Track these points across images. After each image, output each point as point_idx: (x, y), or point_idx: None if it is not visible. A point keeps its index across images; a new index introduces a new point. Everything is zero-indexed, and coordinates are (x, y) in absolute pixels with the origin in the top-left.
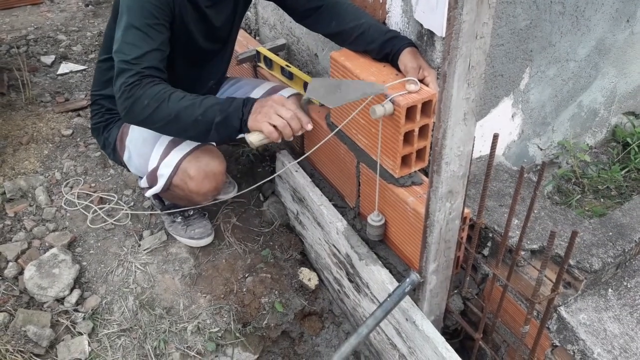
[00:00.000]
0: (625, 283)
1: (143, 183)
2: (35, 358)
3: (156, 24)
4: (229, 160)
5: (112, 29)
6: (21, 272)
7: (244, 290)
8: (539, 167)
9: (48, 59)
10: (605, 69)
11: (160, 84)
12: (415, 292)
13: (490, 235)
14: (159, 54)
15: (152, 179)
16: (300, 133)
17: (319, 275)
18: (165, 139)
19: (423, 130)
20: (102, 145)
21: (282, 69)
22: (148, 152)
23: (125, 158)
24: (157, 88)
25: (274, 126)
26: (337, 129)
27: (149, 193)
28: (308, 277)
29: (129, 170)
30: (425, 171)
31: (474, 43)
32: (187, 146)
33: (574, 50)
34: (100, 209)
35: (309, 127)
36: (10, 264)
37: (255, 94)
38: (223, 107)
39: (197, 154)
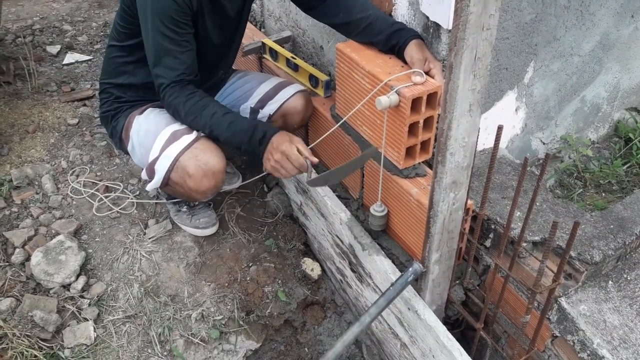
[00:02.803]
0: (625, 275)
1: (144, 175)
2: (41, 343)
3: (182, 28)
4: (233, 150)
5: (121, 18)
6: (28, 259)
7: (248, 279)
8: (541, 161)
9: (54, 49)
10: (609, 64)
11: (194, 96)
12: (418, 282)
13: (493, 226)
14: (189, 55)
15: (151, 171)
16: (294, 174)
17: (321, 266)
18: (167, 132)
19: (428, 122)
20: (110, 134)
21: (287, 60)
22: (149, 144)
23: (129, 148)
24: (190, 102)
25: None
26: (342, 120)
27: (149, 187)
28: (311, 267)
29: (133, 161)
30: (429, 163)
31: (481, 34)
32: (186, 140)
33: (579, 44)
34: (106, 197)
35: (292, 173)
36: (17, 250)
37: (262, 89)
38: (245, 140)
39: (197, 151)
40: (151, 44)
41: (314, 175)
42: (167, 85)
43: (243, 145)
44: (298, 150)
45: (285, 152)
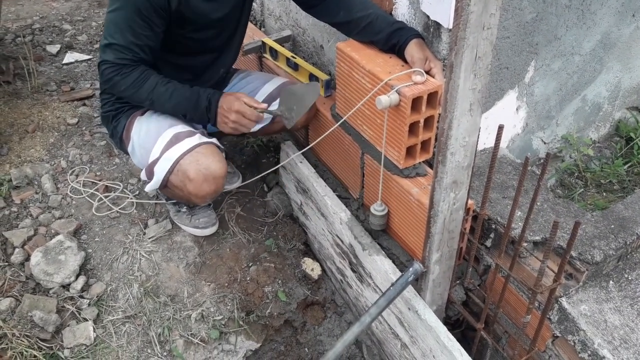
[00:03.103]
0: (626, 275)
1: (143, 176)
2: (41, 343)
3: (145, 19)
4: (233, 150)
5: None
6: (27, 259)
7: (248, 279)
8: (542, 161)
9: (53, 49)
10: (610, 63)
11: (135, 71)
12: (418, 282)
13: (493, 226)
14: (142, 38)
15: (150, 172)
16: (254, 126)
17: (321, 265)
18: (169, 134)
19: (428, 121)
20: (110, 134)
21: (287, 60)
22: (150, 145)
23: (129, 149)
24: (131, 77)
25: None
26: (342, 119)
27: (147, 188)
28: (311, 267)
29: (133, 161)
30: (429, 163)
31: (481, 34)
32: (189, 143)
33: (579, 44)
34: (106, 197)
35: (256, 124)
36: (17, 250)
37: (266, 89)
38: (190, 109)
39: (198, 155)
40: (111, 19)
41: (267, 117)
42: (111, 62)
43: (188, 113)
44: (246, 104)
45: (239, 110)
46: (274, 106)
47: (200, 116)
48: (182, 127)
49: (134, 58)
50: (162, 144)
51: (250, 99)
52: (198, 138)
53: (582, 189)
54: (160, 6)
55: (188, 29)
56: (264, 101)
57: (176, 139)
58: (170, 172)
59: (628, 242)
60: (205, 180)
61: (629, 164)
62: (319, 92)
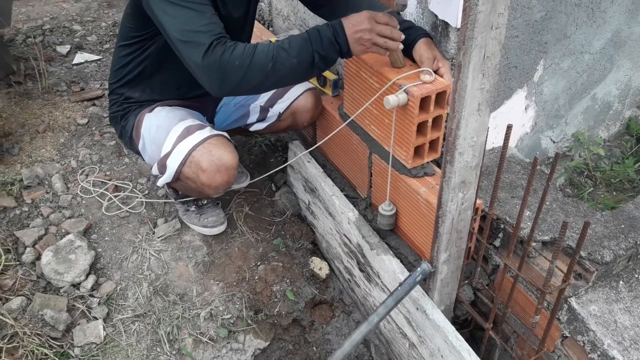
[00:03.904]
0: (636, 275)
1: (154, 170)
2: (52, 341)
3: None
4: (241, 150)
5: (129, 17)
6: (38, 258)
7: (256, 278)
8: (551, 160)
9: (63, 49)
10: (620, 61)
11: (238, 44)
12: (426, 282)
13: (502, 226)
14: (215, 19)
15: (162, 166)
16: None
17: (329, 265)
18: (180, 127)
19: (436, 121)
20: (119, 134)
21: None
22: (162, 140)
23: (140, 147)
24: (240, 48)
25: (378, 45)
26: (350, 119)
27: (160, 182)
28: (319, 267)
29: (144, 160)
30: (437, 162)
31: (490, 33)
32: (200, 135)
33: (589, 42)
34: (115, 196)
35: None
36: (28, 249)
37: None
38: (316, 46)
39: (210, 146)
40: (169, 18)
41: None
42: (207, 47)
43: (317, 54)
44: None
45: (370, 17)
46: (289, 99)
47: (329, 49)
48: (192, 121)
49: (223, 33)
50: (173, 137)
51: (370, 12)
52: (209, 131)
53: (592, 188)
54: None
55: None
56: (268, 100)
57: (187, 132)
58: (183, 164)
59: (638, 242)
60: (217, 170)
61: (639, 163)
62: None
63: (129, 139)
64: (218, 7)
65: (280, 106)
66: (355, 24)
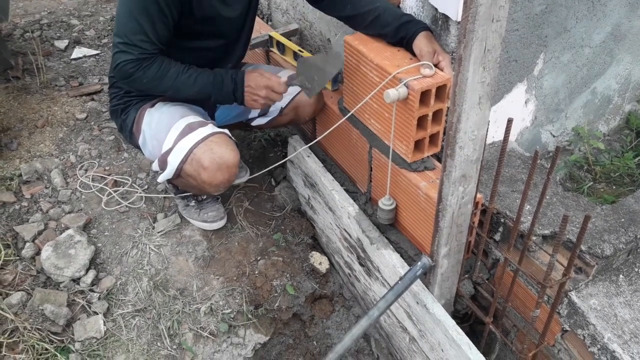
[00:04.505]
0: (636, 269)
1: (155, 167)
2: (52, 336)
3: (159, 9)
4: (241, 145)
5: None
6: (38, 253)
7: (256, 273)
8: (551, 154)
9: (62, 44)
10: (620, 55)
11: (155, 63)
12: (427, 276)
13: (502, 220)
14: (154, 35)
15: (163, 162)
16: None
17: (329, 259)
18: (182, 124)
19: (437, 115)
20: (119, 128)
21: (294, 54)
22: (163, 136)
23: (140, 141)
24: (153, 70)
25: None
26: (350, 113)
27: (160, 178)
28: (319, 261)
29: (143, 154)
30: (438, 156)
31: (490, 26)
32: (202, 132)
33: (589, 36)
34: (115, 191)
35: (282, 97)
36: (28, 244)
37: None
38: (215, 94)
39: (212, 144)
40: (120, 13)
41: (293, 89)
42: (129, 59)
43: (214, 96)
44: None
45: (268, 85)
46: (291, 93)
47: (226, 98)
48: (193, 118)
49: (153, 50)
50: (174, 134)
51: (269, 73)
52: (211, 128)
53: (592, 183)
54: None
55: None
56: None
57: (189, 129)
58: (184, 161)
59: (638, 236)
60: (219, 168)
61: (639, 157)
62: (342, 63)
63: (129, 133)
64: (216, 8)
65: (282, 101)
66: (255, 88)
